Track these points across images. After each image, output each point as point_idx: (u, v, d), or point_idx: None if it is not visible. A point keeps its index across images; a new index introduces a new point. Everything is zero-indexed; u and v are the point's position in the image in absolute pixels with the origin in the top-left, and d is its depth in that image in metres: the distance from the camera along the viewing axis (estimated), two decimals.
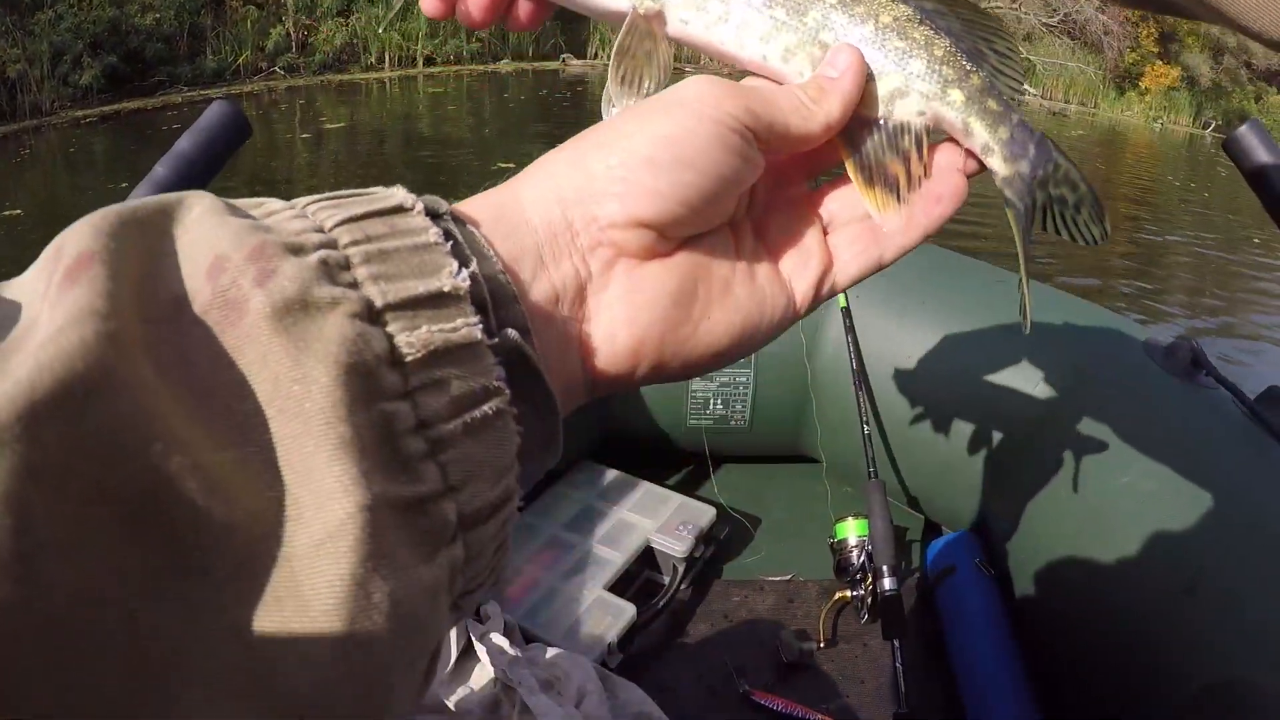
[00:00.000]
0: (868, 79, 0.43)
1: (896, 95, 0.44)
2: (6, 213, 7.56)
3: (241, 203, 0.29)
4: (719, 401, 1.86)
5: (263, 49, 11.59)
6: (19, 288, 0.24)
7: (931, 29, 0.44)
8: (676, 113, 0.36)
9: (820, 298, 0.42)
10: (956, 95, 0.44)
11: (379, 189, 0.31)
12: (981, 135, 0.45)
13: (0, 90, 10.06)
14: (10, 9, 10.35)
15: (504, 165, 7.87)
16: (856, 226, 0.43)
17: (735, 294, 0.39)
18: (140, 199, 0.26)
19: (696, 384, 1.84)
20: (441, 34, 12.82)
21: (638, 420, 1.89)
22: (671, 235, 0.37)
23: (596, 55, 13.71)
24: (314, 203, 0.30)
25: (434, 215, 0.31)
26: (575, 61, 13.79)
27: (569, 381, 0.35)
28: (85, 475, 0.20)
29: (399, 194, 0.30)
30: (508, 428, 0.29)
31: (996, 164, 0.45)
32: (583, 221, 0.35)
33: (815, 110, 0.40)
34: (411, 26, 12.06)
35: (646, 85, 0.45)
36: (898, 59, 0.43)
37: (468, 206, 0.35)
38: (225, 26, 11.61)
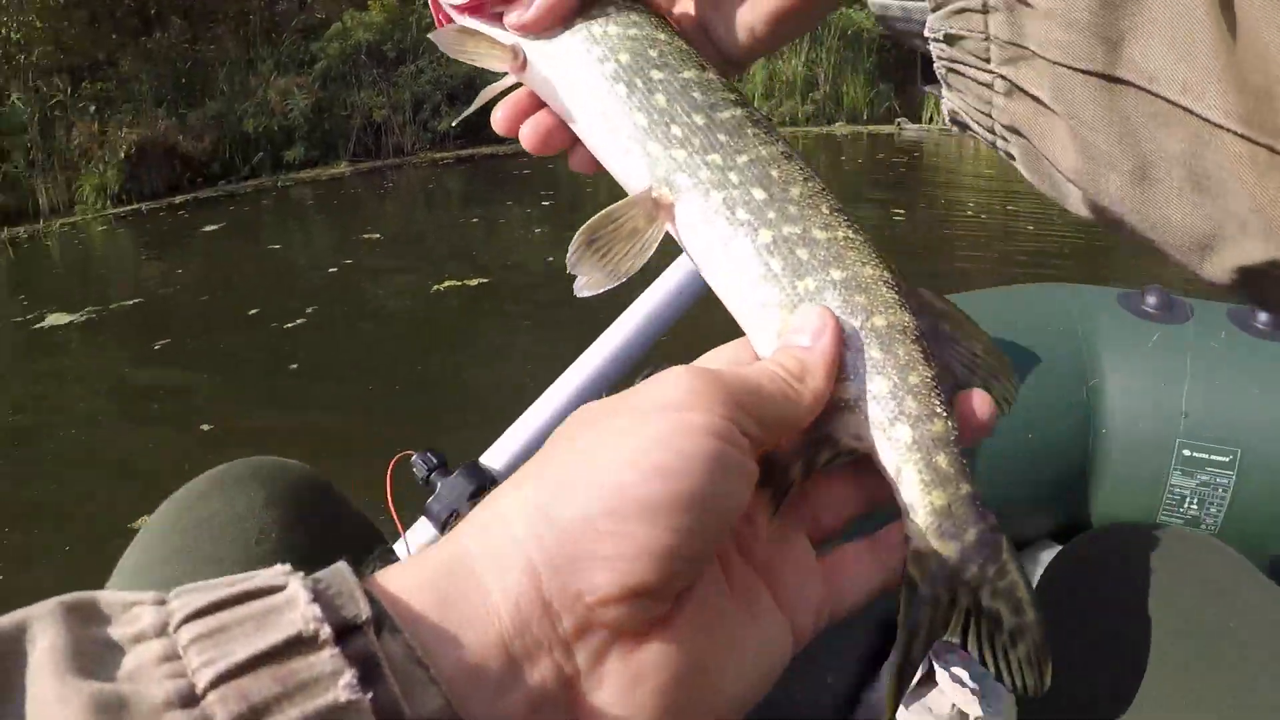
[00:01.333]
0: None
1: (844, 407, 0.41)
2: (367, 236, 8.15)
3: (106, 607, 0.26)
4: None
5: None
6: None
7: (921, 351, 0.41)
8: (660, 425, 0.32)
9: (818, 628, 0.38)
10: (904, 433, 0.40)
11: (279, 584, 0.26)
12: (911, 489, 0.39)
13: (368, 132, 11.37)
14: (378, 63, 11.90)
15: None
16: (856, 545, 0.41)
17: (745, 653, 0.34)
18: None
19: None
20: (777, 95, 12.80)
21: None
22: (669, 595, 0.31)
23: (932, 120, 13.06)
24: (191, 618, 0.25)
25: (345, 630, 0.25)
26: (910, 126, 13.14)
27: None
28: None
29: (299, 614, 0.25)
30: None
31: (914, 530, 0.39)
32: (563, 599, 0.29)
33: (801, 390, 0.38)
34: (748, 88, 12.11)
35: (621, 266, 0.44)
36: (865, 368, 0.41)
37: (402, 588, 0.28)
38: None
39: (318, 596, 0.26)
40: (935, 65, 0.41)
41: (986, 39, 0.37)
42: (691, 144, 0.45)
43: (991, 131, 0.40)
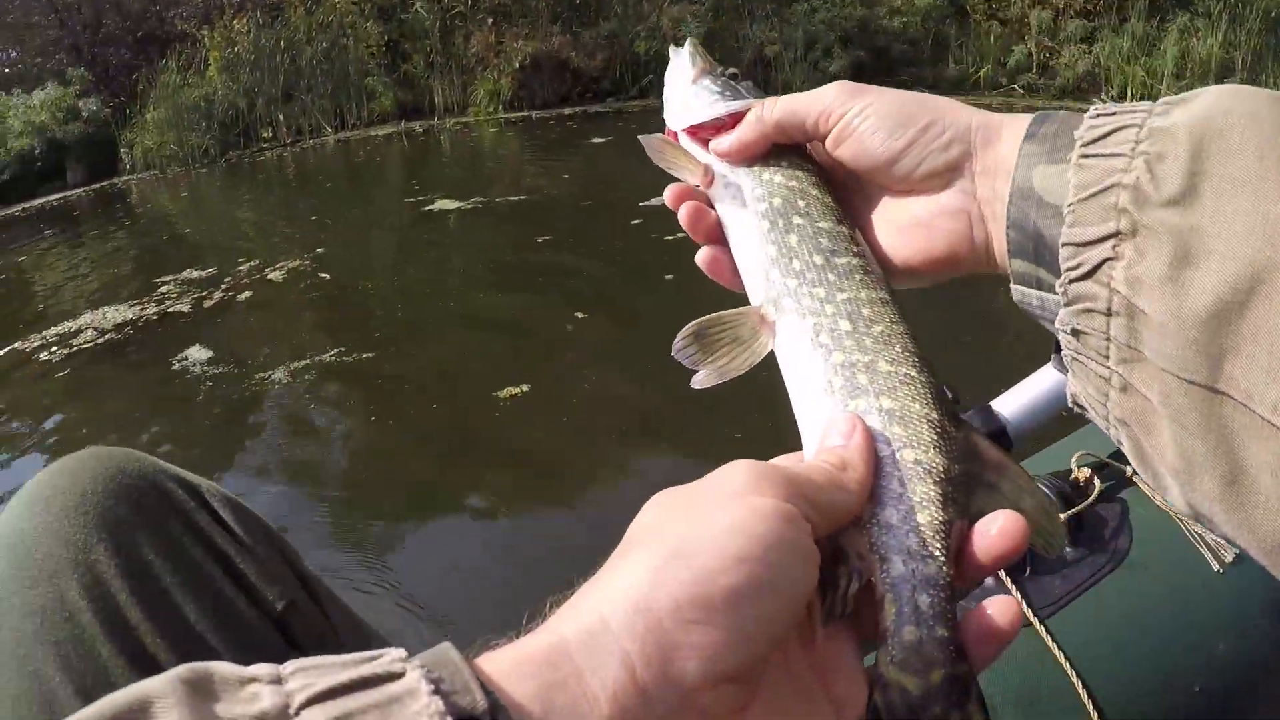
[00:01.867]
0: None
1: (856, 524, 0.43)
2: None
3: (222, 683, 0.27)
4: None
5: (1003, 64, 11.33)
6: None
7: (941, 493, 0.42)
8: (735, 513, 0.34)
9: None
10: (898, 565, 0.41)
11: (389, 674, 0.28)
12: (889, 619, 0.41)
13: (757, 67, 11.11)
14: None
15: None
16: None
17: None
18: (109, 705, 0.26)
19: None
20: (1189, 76, 10.83)
21: None
22: (755, 679, 0.34)
23: None
24: (313, 702, 0.27)
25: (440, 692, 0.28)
26: None
27: None
28: None
29: (420, 706, 0.27)
30: None
31: (885, 659, 0.41)
32: (658, 688, 0.31)
33: (847, 478, 0.41)
34: (1158, 64, 10.40)
35: (724, 366, 0.51)
36: (882, 495, 0.43)
37: (505, 675, 0.30)
38: (969, 38, 11.62)
39: (437, 687, 0.28)
40: (1063, 353, 0.45)
41: (1108, 339, 0.40)
42: (805, 277, 0.52)
43: (1106, 420, 0.43)
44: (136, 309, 5.97)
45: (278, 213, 8.73)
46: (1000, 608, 0.40)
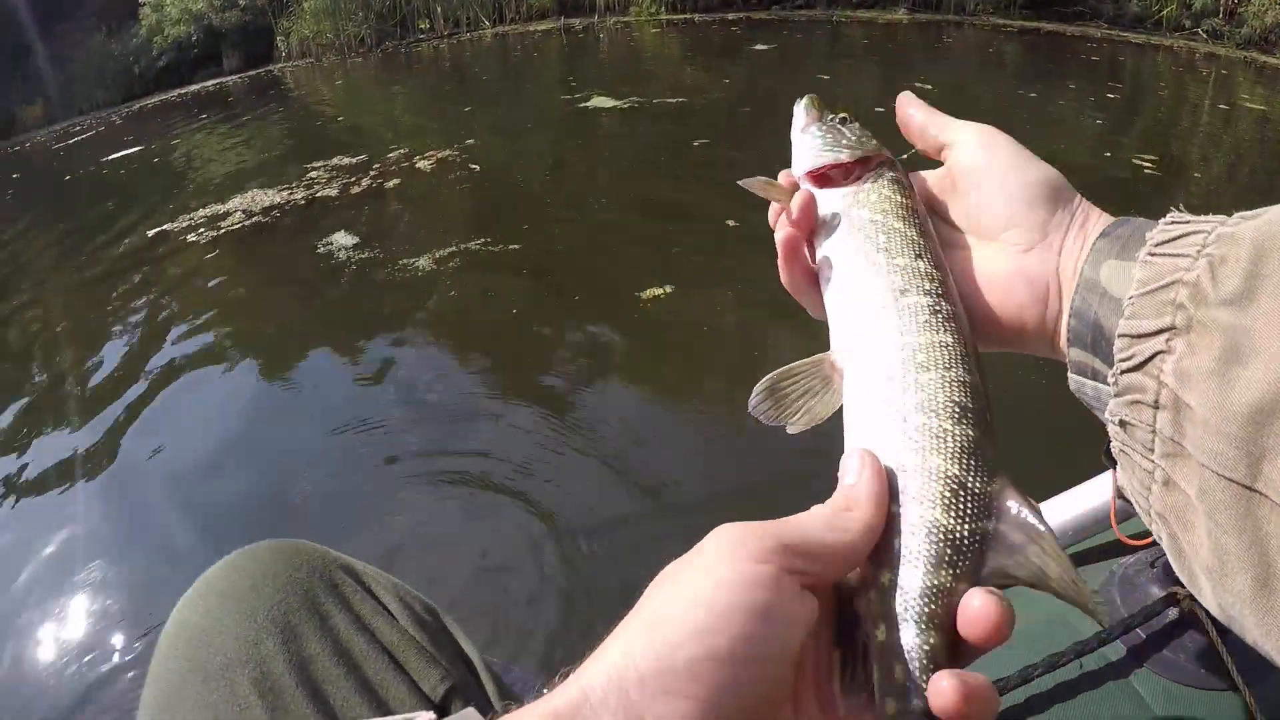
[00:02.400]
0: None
1: (856, 578, 0.41)
2: (919, 84, 6.99)
3: None
4: None
5: (1189, 6, 10.06)
6: None
7: (936, 553, 0.39)
8: (696, 585, 0.35)
9: None
10: (881, 630, 0.39)
11: None
12: (875, 684, 0.38)
13: None
14: None
15: None
16: None
17: None
18: None
19: None
20: None
21: None
22: None
23: None
24: None
25: None
26: None
27: None
28: None
29: None
30: None
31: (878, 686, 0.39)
32: None
33: (849, 519, 0.39)
34: None
35: (795, 417, 0.48)
36: (880, 551, 0.40)
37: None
38: None
39: None
40: (1111, 444, 0.44)
41: (1153, 432, 0.40)
42: (870, 319, 0.48)
43: (1149, 514, 0.42)
44: (285, 193, 5.87)
45: (430, 104, 8.59)
46: (980, 605, 0.37)
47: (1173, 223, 0.42)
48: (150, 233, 5.70)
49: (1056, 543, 0.39)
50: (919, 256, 0.50)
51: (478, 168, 5.78)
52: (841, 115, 0.61)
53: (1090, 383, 0.45)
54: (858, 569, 0.40)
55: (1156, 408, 0.40)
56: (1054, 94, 7.03)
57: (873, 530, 0.39)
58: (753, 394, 0.48)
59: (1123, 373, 0.41)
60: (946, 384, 0.44)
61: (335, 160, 6.39)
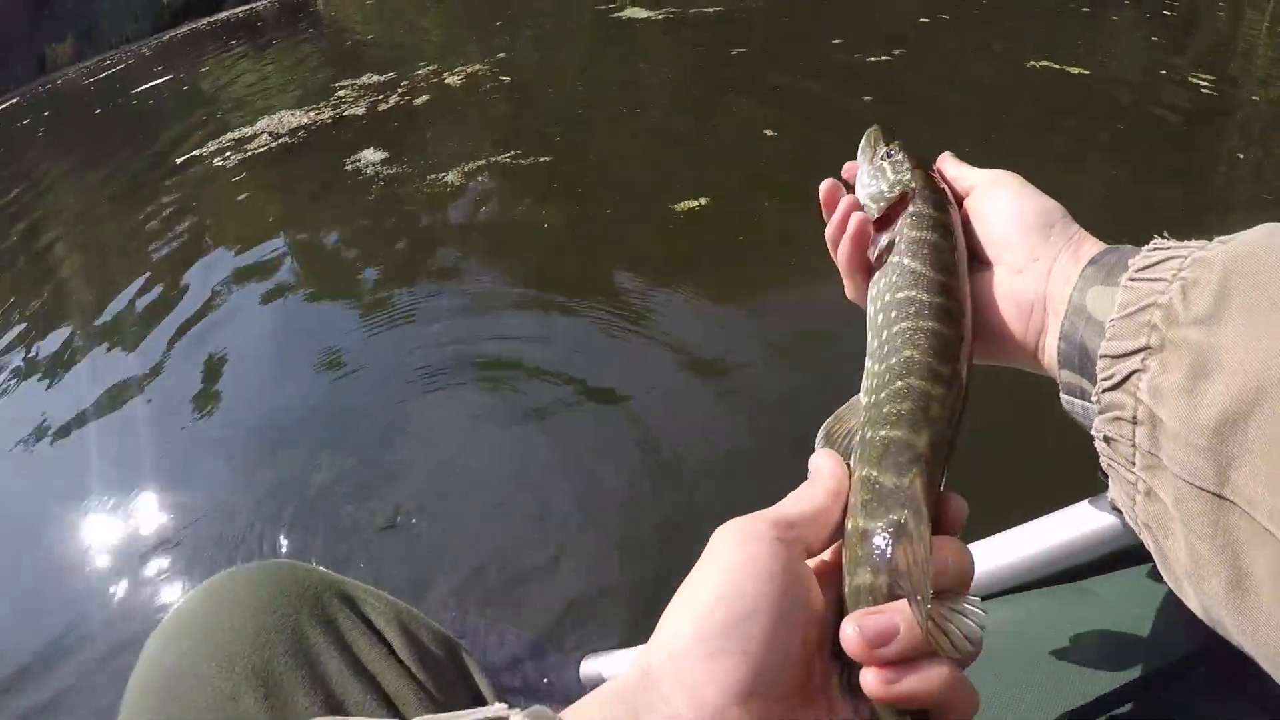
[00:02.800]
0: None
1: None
2: None
3: None
4: None
5: None
6: None
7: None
8: (713, 566, 0.41)
9: None
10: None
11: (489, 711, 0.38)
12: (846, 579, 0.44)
13: None
14: None
15: None
16: None
17: None
18: None
19: None
20: None
21: None
22: (773, 694, 0.38)
23: None
24: None
25: None
26: None
27: None
28: None
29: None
30: None
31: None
32: (694, 712, 0.37)
33: (814, 488, 0.46)
34: None
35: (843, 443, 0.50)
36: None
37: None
38: None
39: None
40: (1100, 459, 0.47)
41: (1133, 446, 0.42)
42: (880, 376, 0.50)
43: (1136, 524, 0.45)
44: (312, 114, 5.74)
45: (463, 20, 8.36)
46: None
47: (1155, 249, 0.45)
48: (179, 160, 5.63)
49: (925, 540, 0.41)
50: (924, 289, 0.52)
51: (509, 80, 5.59)
52: (887, 150, 0.62)
53: (1079, 402, 0.48)
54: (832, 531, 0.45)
55: (1135, 423, 0.42)
56: (1108, 10, 6.60)
57: (834, 493, 0.45)
58: (815, 444, 0.50)
59: (1104, 391, 0.44)
60: (905, 395, 0.47)
61: (364, 79, 6.23)
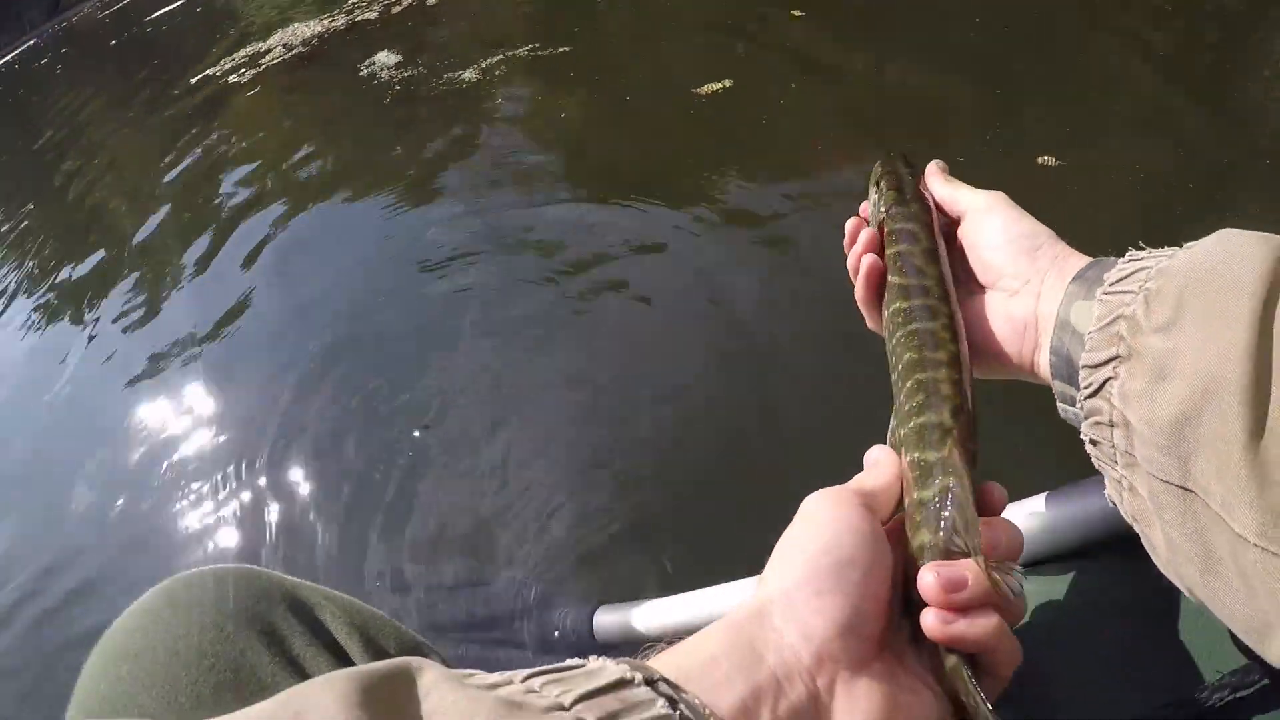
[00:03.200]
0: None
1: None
2: None
3: (454, 673, 0.35)
4: None
5: None
6: None
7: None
8: (814, 523, 0.46)
9: None
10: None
11: (585, 662, 0.37)
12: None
13: None
14: None
15: None
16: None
17: (916, 713, 0.44)
18: (367, 665, 0.33)
19: None
20: None
21: None
22: (866, 633, 0.43)
23: None
24: (533, 676, 0.35)
25: (650, 682, 0.36)
26: None
27: None
28: None
29: (612, 667, 0.36)
30: None
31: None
32: (805, 646, 0.42)
33: (878, 470, 0.52)
34: None
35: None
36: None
37: (698, 662, 0.41)
38: None
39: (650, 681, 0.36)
40: (1092, 460, 0.50)
41: (1114, 447, 0.46)
42: (898, 384, 0.56)
43: (1129, 517, 0.48)
44: (326, 22, 5.60)
45: None
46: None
47: (1129, 260, 0.48)
48: (194, 80, 5.55)
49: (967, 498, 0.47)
50: (899, 328, 0.58)
51: None
52: (877, 180, 0.67)
53: (1071, 409, 0.51)
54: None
55: (1112, 426, 0.46)
56: None
57: (895, 473, 0.51)
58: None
59: (1086, 398, 0.48)
60: (913, 384, 0.54)
61: None
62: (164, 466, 2.14)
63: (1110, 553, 0.65)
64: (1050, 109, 2.41)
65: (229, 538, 1.88)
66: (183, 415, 2.32)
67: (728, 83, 3.11)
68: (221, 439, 2.16)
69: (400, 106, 3.87)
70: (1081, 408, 0.49)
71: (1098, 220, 1.84)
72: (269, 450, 2.03)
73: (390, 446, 1.91)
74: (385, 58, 4.47)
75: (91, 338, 3.00)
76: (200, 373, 2.47)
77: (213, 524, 1.93)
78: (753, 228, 2.29)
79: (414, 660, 0.34)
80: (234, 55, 5.63)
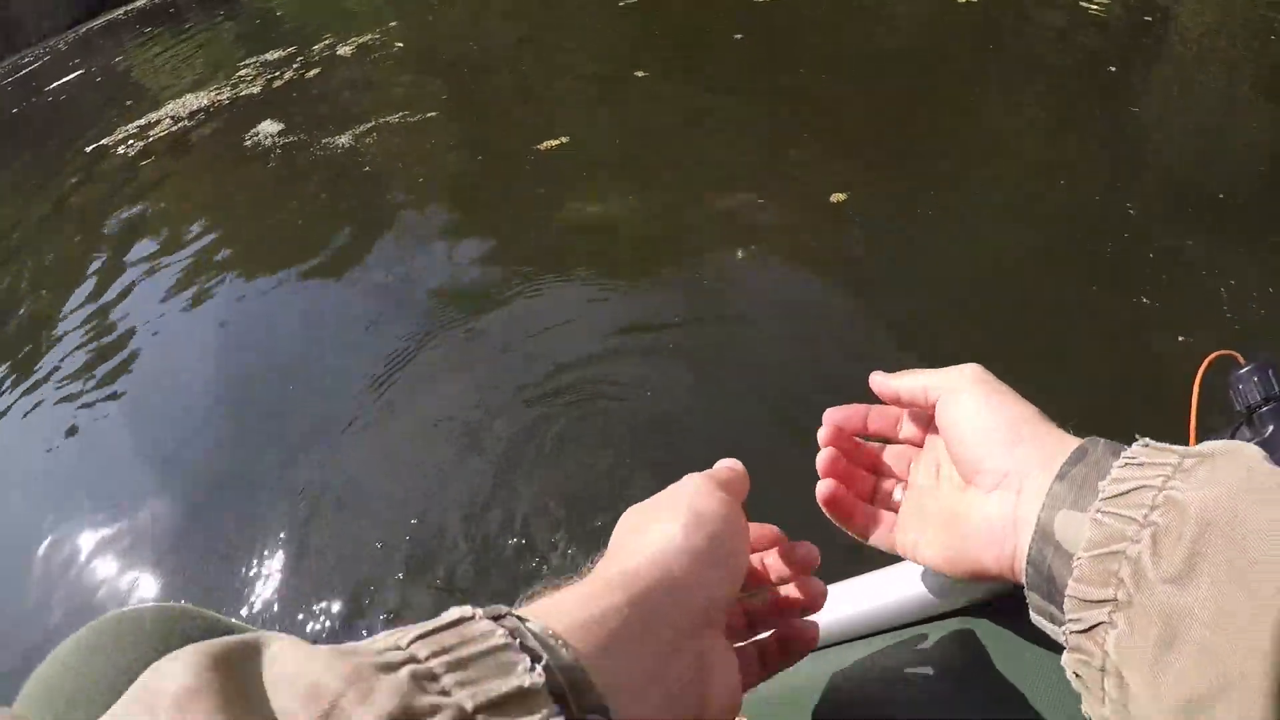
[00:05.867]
0: None
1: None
2: None
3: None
4: None
5: None
6: None
7: None
8: (697, 501, 0.48)
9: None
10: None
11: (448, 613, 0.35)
12: None
13: None
14: None
15: None
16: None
17: (730, 679, 0.45)
18: (221, 639, 0.32)
19: None
20: None
21: None
22: (731, 602, 0.48)
23: None
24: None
25: (495, 618, 0.34)
26: None
27: None
28: None
29: (456, 609, 0.35)
30: None
31: None
32: (691, 613, 0.43)
33: (730, 464, 0.54)
34: None
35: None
36: None
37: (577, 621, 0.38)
38: None
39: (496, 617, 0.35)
40: (1072, 680, 0.46)
41: (1103, 690, 0.42)
42: None
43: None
44: (213, 94, 5.84)
45: None
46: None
47: (1126, 464, 0.43)
48: (88, 149, 5.71)
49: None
50: None
51: (401, 45, 5.73)
52: None
53: (1050, 625, 0.46)
54: None
55: (1104, 672, 0.42)
56: None
57: (736, 473, 0.53)
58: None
59: (1072, 633, 0.43)
60: None
61: (264, 56, 6.32)
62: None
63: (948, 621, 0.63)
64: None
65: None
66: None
67: (565, 139, 3.53)
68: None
69: (281, 169, 4.20)
70: (1067, 640, 0.44)
71: None
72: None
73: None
74: (269, 126, 4.75)
75: None
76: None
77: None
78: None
79: (265, 633, 0.33)
80: (126, 127, 5.82)
